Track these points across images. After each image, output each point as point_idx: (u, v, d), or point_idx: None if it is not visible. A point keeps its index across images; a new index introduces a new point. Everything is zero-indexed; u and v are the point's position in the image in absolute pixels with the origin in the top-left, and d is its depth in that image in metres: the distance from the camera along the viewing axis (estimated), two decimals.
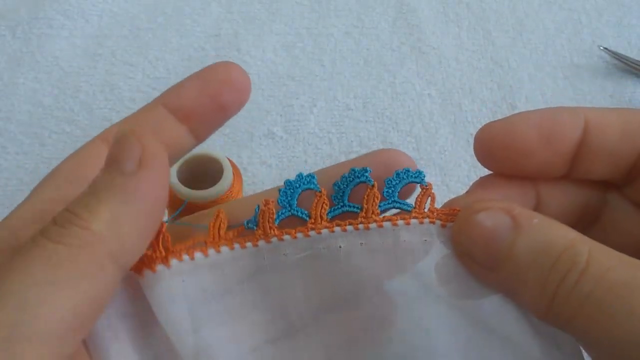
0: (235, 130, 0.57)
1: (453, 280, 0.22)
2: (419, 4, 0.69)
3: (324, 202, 0.23)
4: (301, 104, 0.60)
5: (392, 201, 0.24)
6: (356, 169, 0.24)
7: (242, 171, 0.50)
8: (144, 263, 0.22)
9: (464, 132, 0.59)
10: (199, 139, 0.26)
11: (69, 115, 0.58)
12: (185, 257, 0.22)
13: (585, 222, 0.25)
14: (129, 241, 0.20)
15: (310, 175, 0.24)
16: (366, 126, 0.59)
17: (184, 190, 0.42)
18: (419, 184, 0.24)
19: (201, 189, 0.43)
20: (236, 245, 0.23)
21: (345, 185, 0.24)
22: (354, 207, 0.24)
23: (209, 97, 0.25)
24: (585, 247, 0.20)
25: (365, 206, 0.23)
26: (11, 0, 0.66)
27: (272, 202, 0.23)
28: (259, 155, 0.56)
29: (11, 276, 0.18)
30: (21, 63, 0.61)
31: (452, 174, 0.56)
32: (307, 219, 0.23)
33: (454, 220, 0.23)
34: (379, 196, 0.23)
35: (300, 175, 0.24)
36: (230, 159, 0.46)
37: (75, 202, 0.20)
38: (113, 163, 0.20)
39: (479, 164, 0.25)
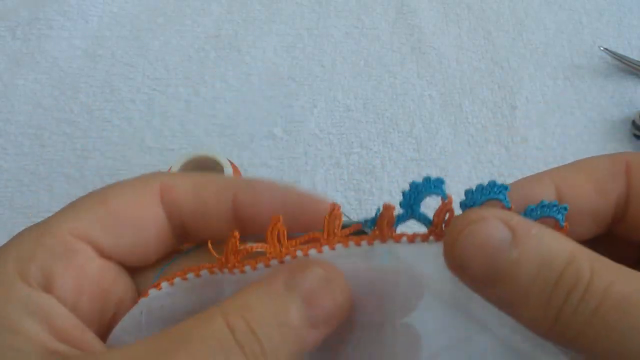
0: (236, 132, 0.57)
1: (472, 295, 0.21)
2: (419, 5, 0.69)
3: (449, 210, 0.21)
4: (301, 105, 0.60)
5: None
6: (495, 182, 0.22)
7: (242, 172, 0.50)
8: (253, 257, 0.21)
9: (464, 133, 0.58)
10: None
11: (68, 116, 0.58)
12: (299, 253, 0.22)
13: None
14: None
15: (439, 180, 0.22)
16: (366, 127, 0.59)
17: None
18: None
19: None
20: (351, 243, 0.22)
21: (474, 200, 0.22)
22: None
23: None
24: (585, 259, 0.19)
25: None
26: (11, 0, 0.66)
27: (393, 207, 0.22)
28: (260, 157, 0.56)
29: None
30: (21, 64, 0.61)
31: (453, 174, 0.56)
32: (429, 225, 0.22)
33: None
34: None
35: (427, 179, 0.22)
36: (231, 160, 0.46)
37: None
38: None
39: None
